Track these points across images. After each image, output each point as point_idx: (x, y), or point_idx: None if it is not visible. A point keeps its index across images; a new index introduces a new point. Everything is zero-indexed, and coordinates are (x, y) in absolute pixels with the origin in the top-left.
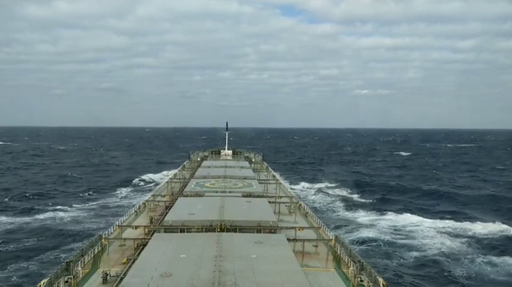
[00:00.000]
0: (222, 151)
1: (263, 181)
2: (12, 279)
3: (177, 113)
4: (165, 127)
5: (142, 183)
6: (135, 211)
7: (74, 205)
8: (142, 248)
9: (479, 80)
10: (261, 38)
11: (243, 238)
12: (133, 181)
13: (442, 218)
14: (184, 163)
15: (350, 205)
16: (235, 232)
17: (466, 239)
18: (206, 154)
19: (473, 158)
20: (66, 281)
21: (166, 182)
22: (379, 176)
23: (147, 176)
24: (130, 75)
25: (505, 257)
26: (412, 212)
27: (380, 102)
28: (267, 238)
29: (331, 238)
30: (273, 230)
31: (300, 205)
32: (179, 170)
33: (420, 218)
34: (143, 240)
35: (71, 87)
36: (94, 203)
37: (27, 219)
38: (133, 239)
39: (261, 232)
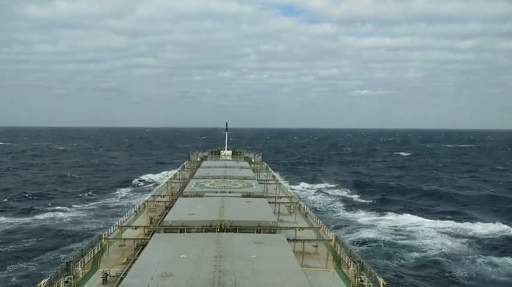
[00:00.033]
0: (221, 151)
1: (263, 181)
2: (12, 280)
3: (177, 113)
4: (165, 127)
5: (141, 183)
6: (135, 211)
7: (73, 206)
8: (142, 249)
9: (479, 80)
10: (261, 38)
11: (243, 238)
12: (133, 181)
13: (442, 218)
14: (184, 163)
15: (350, 206)
16: (235, 232)
17: (467, 239)
18: (206, 154)
19: (473, 159)
20: (66, 282)
21: (166, 182)
22: (379, 176)
23: (147, 177)
24: (130, 75)
25: (505, 258)
26: (412, 212)
27: (380, 103)
28: (267, 238)
29: (331, 238)
30: (273, 231)
31: (300, 205)
32: (179, 171)
33: (420, 219)
34: (143, 240)
35: (71, 87)
36: (93, 203)
37: (26, 219)
38: (133, 239)
39: (261, 232)
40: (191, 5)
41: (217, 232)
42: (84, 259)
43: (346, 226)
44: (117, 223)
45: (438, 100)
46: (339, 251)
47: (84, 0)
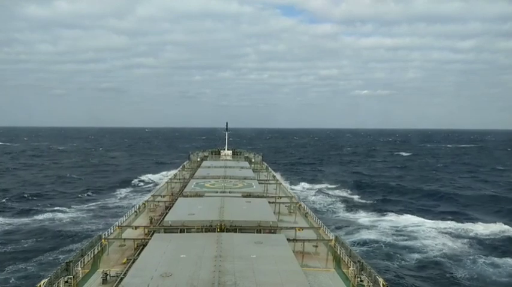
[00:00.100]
0: (221, 151)
1: (263, 181)
2: (11, 281)
3: (177, 113)
4: (165, 127)
5: (141, 183)
6: (135, 211)
7: (72, 206)
8: (142, 249)
9: (479, 80)
10: (261, 38)
11: (243, 238)
12: (133, 182)
13: (443, 218)
14: (184, 163)
15: (350, 206)
16: (235, 232)
17: (468, 240)
18: (206, 154)
19: (474, 159)
20: (66, 282)
21: (166, 182)
22: (380, 176)
23: (147, 177)
24: (130, 75)
25: (506, 258)
26: (412, 212)
27: (380, 103)
28: (267, 238)
29: (331, 238)
30: (273, 231)
31: (300, 205)
32: (179, 171)
33: (421, 219)
34: (143, 240)
35: (71, 87)
36: (93, 203)
37: (25, 220)
38: (133, 239)
39: (261, 232)
40: (191, 5)
41: (217, 232)
42: (84, 259)
43: (346, 226)
44: (117, 223)
45: (438, 100)
46: (338, 251)
47: (84, 0)
